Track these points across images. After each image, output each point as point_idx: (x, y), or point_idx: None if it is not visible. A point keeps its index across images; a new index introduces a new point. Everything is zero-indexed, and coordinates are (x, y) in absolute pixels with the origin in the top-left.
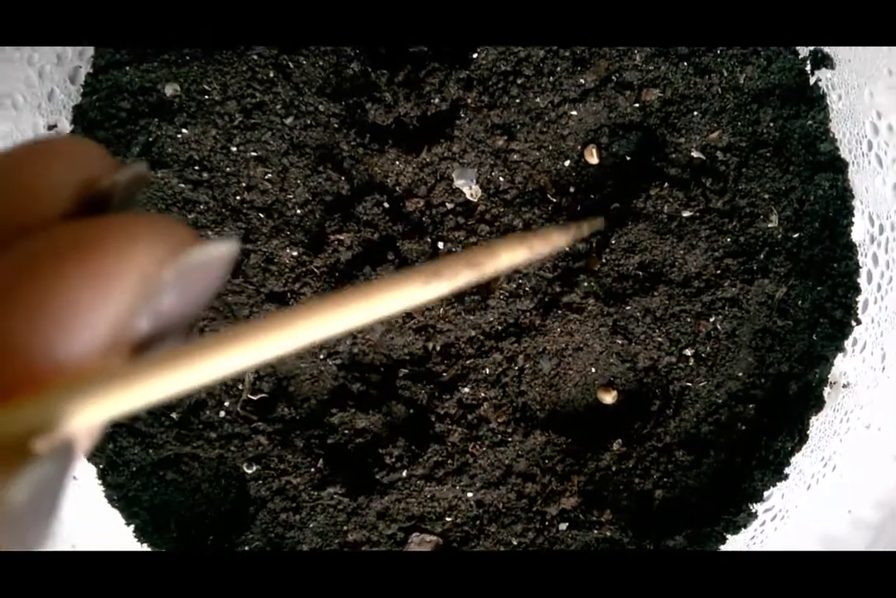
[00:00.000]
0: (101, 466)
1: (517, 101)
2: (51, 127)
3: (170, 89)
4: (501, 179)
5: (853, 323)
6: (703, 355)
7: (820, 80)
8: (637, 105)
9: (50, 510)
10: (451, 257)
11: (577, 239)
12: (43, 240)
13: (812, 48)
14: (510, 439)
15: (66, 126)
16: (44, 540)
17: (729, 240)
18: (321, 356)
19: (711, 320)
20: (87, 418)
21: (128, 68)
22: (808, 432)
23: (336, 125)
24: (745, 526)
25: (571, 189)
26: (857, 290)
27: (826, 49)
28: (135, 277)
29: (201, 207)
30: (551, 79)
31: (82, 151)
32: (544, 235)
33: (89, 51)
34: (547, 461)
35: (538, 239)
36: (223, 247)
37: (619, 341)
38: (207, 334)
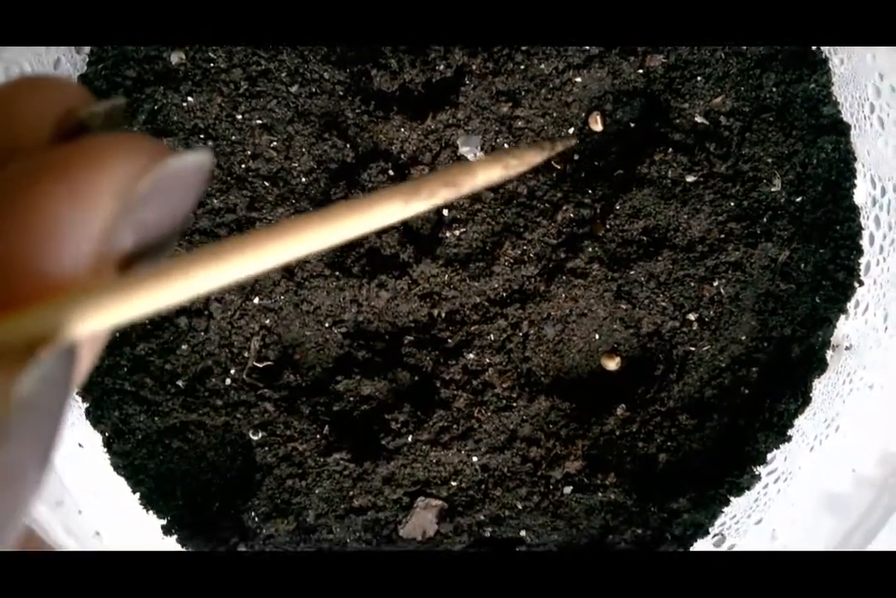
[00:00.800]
0: (106, 434)
1: (522, 67)
2: None
3: (175, 58)
4: (506, 145)
5: (856, 285)
6: (706, 319)
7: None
8: (641, 71)
9: (54, 422)
10: (429, 177)
11: (550, 156)
12: (24, 162)
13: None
14: (515, 405)
15: None
16: (46, 463)
17: (732, 204)
18: (326, 324)
19: (715, 284)
20: (85, 328)
21: None
22: (811, 394)
23: (341, 93)
24: (748, 488)
25: (576, 156)
26: (860, 252)
27: None
28: (112, 189)
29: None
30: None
31: (60, 85)
32: (519, 154)
33: None
34: (551, 426)
35: (513, 157)
36: (196, 156)
37: (623, 307)
38: (194, 249)
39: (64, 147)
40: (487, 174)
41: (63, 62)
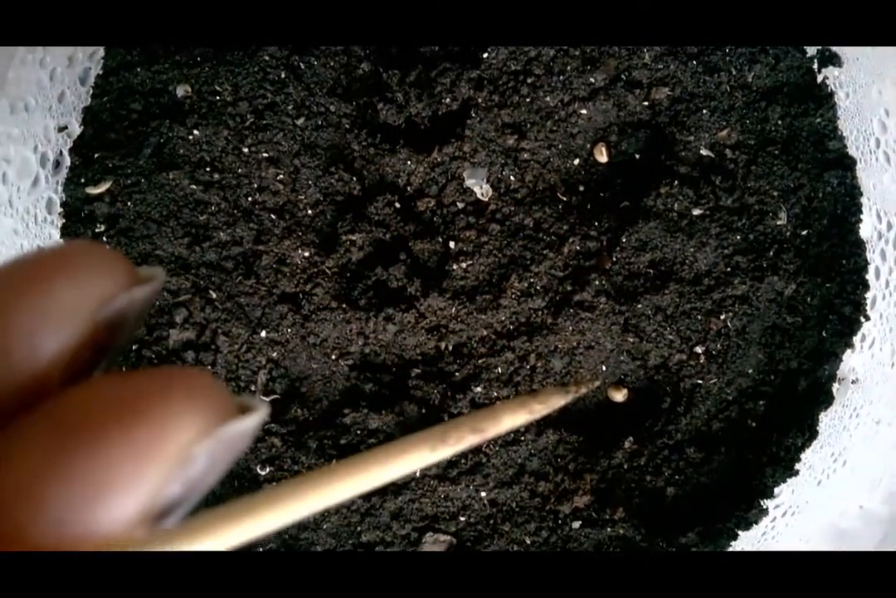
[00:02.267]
0: None
1: (527, 100)
2: (61, 129)
3: (181, 90)
4: (512, 178)
5: (862, 319)
6: (713, 352)
7: (827, 78)
8: (646, 103)
9: None
10: (457, 422)
11: (576, 399)
12: (77, 402)
13: (820, 46)
14: (523, 439)
15: (76, 128)
16: None
17: (738, 237)
18: (333, 357)
19: (722, 317)
20: None
21: (138, 70)
22: (817, 428)
23: (347, 125)
24: (756, 523)
25: (581, 188)
26: (866, 286)
27: (833, 47)
28: (177, 446)
29: (213, 208)
30: (561, 78)
31: (96, 263)
32: (544, 398)
33: (100, 53)
34: (559, 460)
35: (538, 402)
36: (256, 417)
37: (630, 339)
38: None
39: (120, 386)
40: (513, 420)
41: (67, 95)
